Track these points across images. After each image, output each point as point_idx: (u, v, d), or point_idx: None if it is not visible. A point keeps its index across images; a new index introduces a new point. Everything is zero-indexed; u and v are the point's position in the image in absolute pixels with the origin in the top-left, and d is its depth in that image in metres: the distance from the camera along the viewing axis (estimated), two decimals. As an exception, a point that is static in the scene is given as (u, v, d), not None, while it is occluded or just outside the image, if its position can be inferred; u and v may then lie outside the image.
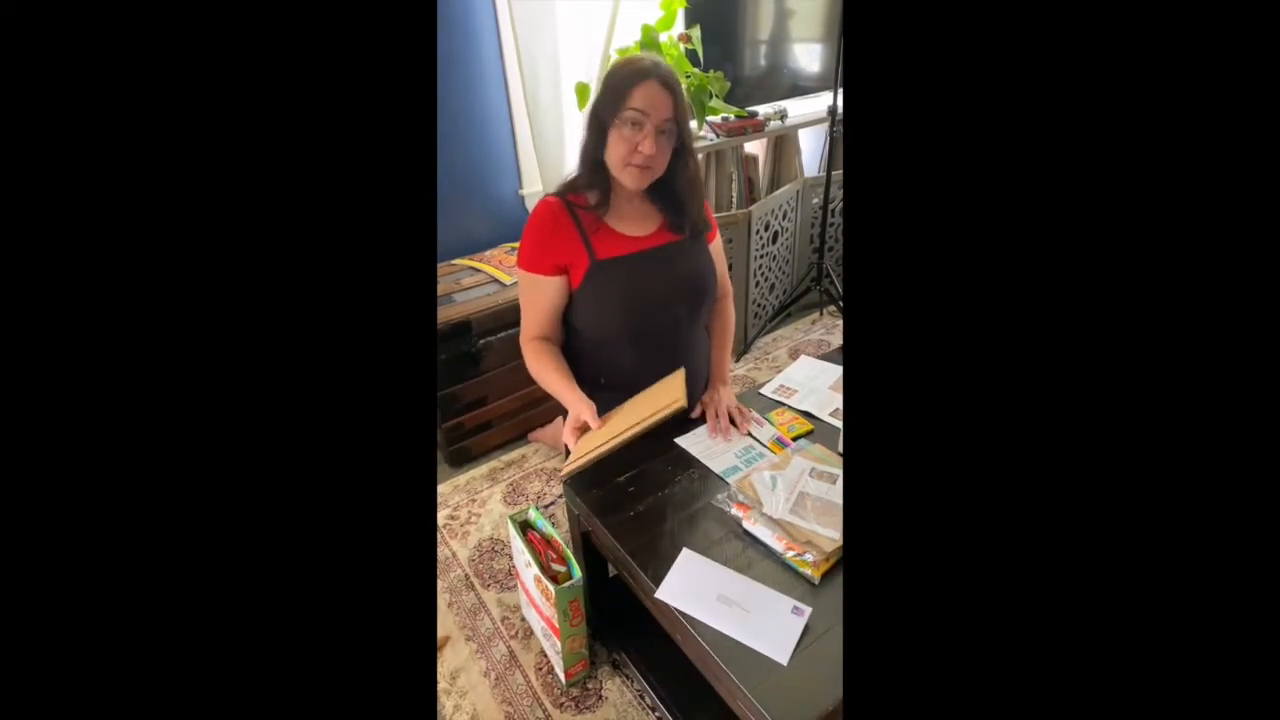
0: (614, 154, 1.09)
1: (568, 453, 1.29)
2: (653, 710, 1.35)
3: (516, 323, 2.01)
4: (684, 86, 2.32)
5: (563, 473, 1.11)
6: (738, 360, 2.63)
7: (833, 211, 2.77)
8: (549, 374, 1.19)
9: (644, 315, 1.18)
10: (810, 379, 1.44)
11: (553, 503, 1.94)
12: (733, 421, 1.25)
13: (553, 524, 1.38)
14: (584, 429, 1.15)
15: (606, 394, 1.23)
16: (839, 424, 1.29)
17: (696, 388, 1.35)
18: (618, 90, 1.05)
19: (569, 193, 1.16)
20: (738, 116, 2.54)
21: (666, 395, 1.10)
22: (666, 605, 0.96)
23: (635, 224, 1.18)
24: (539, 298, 1.18)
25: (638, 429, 1.06)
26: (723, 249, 1.36)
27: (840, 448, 1.21)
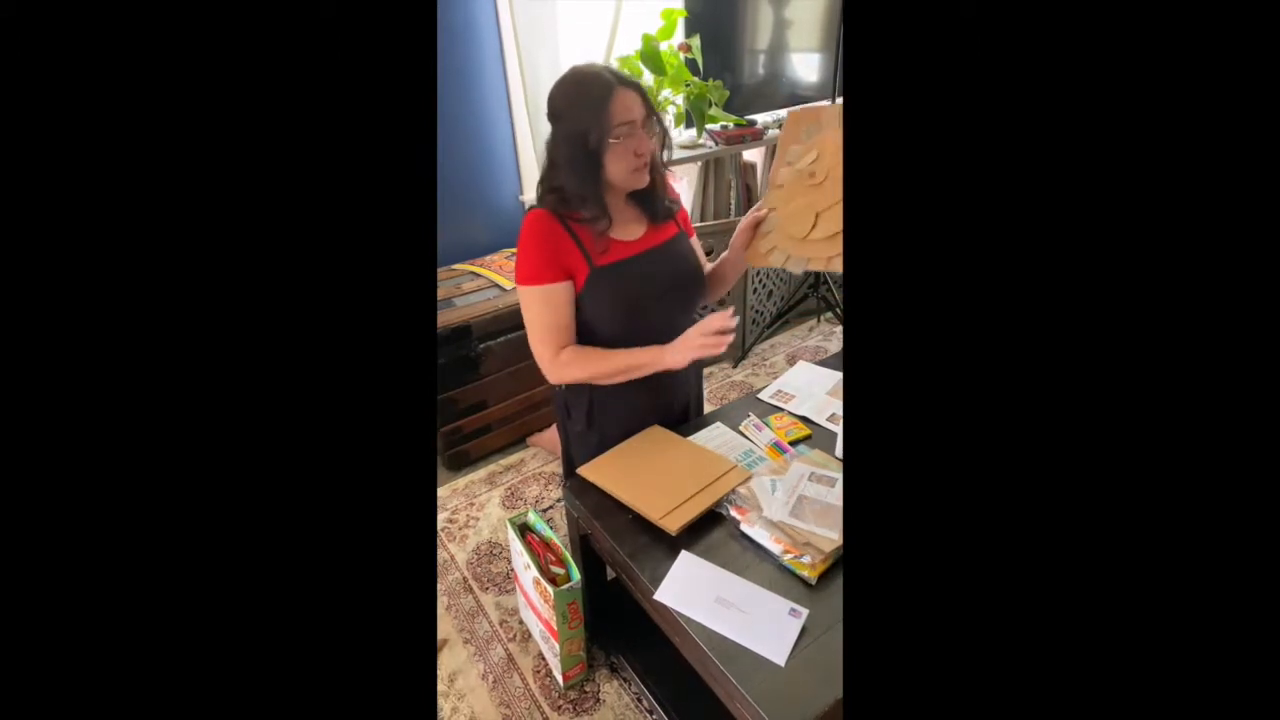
0: (618, 170, 1.09)
1: (566, 461, 1.29)
2: (650, 713, 1.36)
3: (516, 327, 2.04)
4: (683, 94, 2.37)
5: (675, 530, 1.07)
6: (736, 366, 2.64)
7: (830, 219, 2.79)
8: (607, 359, 1.16)
9: (642, 315, 1.19)
10: (808, 384, 1.46)
11: (551, 506, 1.94)
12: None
13: (551, 527, 1.39)
14: (721, 332, 1.09)
15: (601, 387, 1.24)
16: (836, 429, 1.30)
17: (687, 380, 1.35)
18: (597, 116, 1.05)
19: (559, 208, 1.14)
20: (736, 125, 2.56)
21: (722, 463, 1.18)
22: (665, 607, 0.97)
23: (626, 229, 1.19)
24: (555, 306, 1.16)
25: (714, 489, 1.13)
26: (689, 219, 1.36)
27: (837, 452, 1.22)
